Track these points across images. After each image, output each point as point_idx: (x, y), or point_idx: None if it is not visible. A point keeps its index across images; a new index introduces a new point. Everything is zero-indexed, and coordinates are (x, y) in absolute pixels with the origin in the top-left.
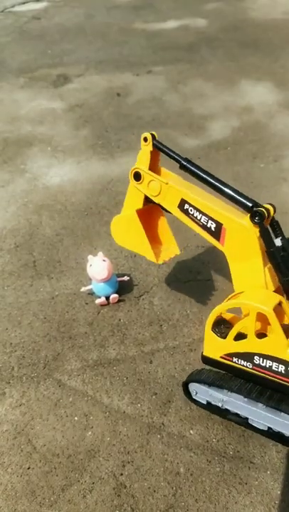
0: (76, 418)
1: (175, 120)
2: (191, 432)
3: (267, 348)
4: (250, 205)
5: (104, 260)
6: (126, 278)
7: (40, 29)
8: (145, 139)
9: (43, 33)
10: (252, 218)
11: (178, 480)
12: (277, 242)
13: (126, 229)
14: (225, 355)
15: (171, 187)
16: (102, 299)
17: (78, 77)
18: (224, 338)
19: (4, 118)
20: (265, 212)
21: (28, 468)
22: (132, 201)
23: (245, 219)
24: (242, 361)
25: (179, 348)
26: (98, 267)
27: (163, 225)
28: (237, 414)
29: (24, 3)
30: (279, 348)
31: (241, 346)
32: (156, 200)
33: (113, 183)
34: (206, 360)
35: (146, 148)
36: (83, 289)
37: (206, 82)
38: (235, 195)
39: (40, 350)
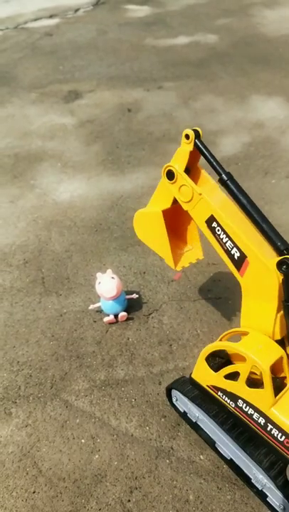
0: (83, 441)
1: None
2: (201, 457)
3: (254, 398)
4: (282, 248)
5: (113, 278)
6: (135, 296)
7: (52, 45)
8: (187, 136)
9: (55, 49)
10: (279, 266)
11: (187, 508)
12: None
13: (149, 226)
14: (212, 385)
15: (203, 199)
16: (111, 317)
17: (89, 92)
18: (215, 370)
19: (15, 133)
20: None
21: (34, 492)
22: (160, 199)
23: (271, 261)
24: (226, 398)
25: (188, 369)
26: (107, 285)
27: (191, 224)
28: (207, 434)
29: (37, 19)
30: (265, 403)
31: (230, 386)
32: (184, 206)
33: (123, 199)
34: (192, 382)
35: (187, 147)
36: (91, 306)
37: (217, 97)
38: (269, 233)
39: (47, 369)
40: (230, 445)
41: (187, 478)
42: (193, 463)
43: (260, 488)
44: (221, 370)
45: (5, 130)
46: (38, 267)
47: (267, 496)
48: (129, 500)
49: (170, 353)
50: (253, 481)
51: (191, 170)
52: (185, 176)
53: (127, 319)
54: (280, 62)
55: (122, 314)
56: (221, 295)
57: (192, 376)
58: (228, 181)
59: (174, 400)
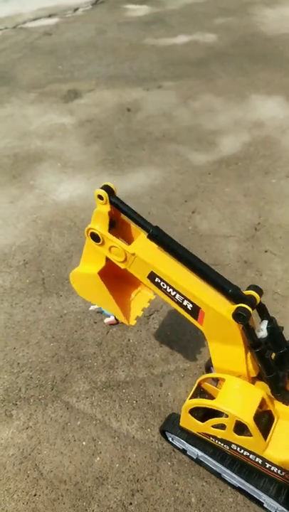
0: (84, 443)
1: (185, 136)
2: None
3: (246, 444)
4: (230, 292)
5: None
6: None
7: (51, 45)
8: (100, 197)
9: (54, 48)
10: (236, 317)
11: (189, 511)
12: (263, 331)
13: (88, 286)
14: (202, 432)
15: (137, 258)
16: (111, 318)
17: (89, 92)
18: (201, 419)
19: (14, 133)
20: (250, 309)
21: (35, 495)
22: (92, 259)
23: (226, 310)
24: (219, 442)
25: (189, 371)
26: None
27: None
28: (212, 468)
29: (35, 19)
30: (258, 448)
31: (219, 434)
32: (120, 266)
33: (123, 199)
34: (183, 429)
35: (103, 208)
36: (92, 307)
37: (216, 97)
38: (214, 279)
39: (48, 370)
40: (235, 477)
41: (189, 480)
42: (195, 465)
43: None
44: (207, 421)
45: (4, 130)
46: (38, 267)
47: None
48: (130, 503)
49: (171, 355)
50: (265, 505)
51: (116, 223)
52: (111, 237)
53: None
54: (280, 61)
55: None
56: None
57: (181, 425)
58: (157, 236)
59: (170, 439)
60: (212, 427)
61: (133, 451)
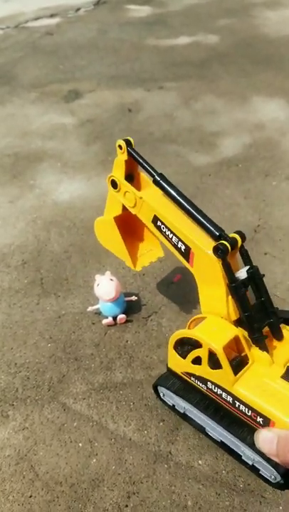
0: (80, 444)
1: (186, 137)
2: (199, 462)
3: (218, 378)
4: (217, 234)
5: (111, 280)
6: (134, 298)
7: (52, 44)
8: (120, 147)
9: (56, 48)
10: (215, 251)
11: None
12: (242, 273)
13: (106, 232)
14: (185, 372)
15: (144, 202)
16: (110, 320)
17: (90, 92)
18: (184, 357)
19: (15, 133)
20: (228, 246)
21: (30, 496)
22: (111, 207)
23: (210, 248)
24: (198, 382)
25: None
26: (106, 287)
27: (146, 227)
28: (197, 422)
29: (37, 18)
30: (227, 382)
31: (197, 370)
32: (132, 211)
33: None
34: (169, 370)
35: (122, 157)
36: (90, 308)
37: (218, 98)
38: (203, 221)
39: (45, 371)
40: (217, 429)
41: (186, 483)
42: (192, 468)
43: (251, 464)
44: (187, 356)
45: (5, 129)
46: (36, 267)
47: (259, 470)
48: (126, 506)
49: None
50: (243, 457)
51: (134, 176)
52: (125, 183)
53: (126, 321)
54: (282, 63)
55: (121, 317)
56: None
57: (168, 365)
58: (160, 181)
59: (161, 395)
60: (192, 363)
61: (130, 453)
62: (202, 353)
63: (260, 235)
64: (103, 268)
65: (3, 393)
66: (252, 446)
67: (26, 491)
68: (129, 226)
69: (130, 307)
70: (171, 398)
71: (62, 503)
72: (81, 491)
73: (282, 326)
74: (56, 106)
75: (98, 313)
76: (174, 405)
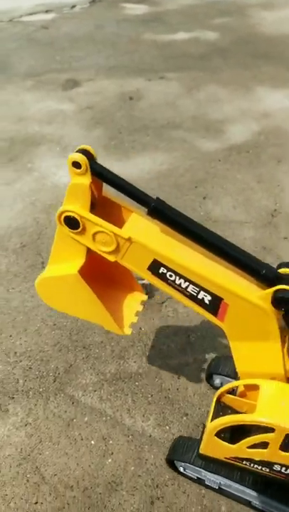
0: (93, 442)
1: (191, 123)
2: None
3: None
4: (263, 272)
5: None
6: (146, 281)
7: (48, 37)
8: (76, 165)
9: (51, 41)
10: (276, 302)
11: None
12: None
13: (66, 293)
14: (232, 457)
15: (135, 243)
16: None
17: (88, 81)
18: (232, 441)
19: (10, 118)
20: None
21: (36, 503)
22: (67, 254)
23: (259, 296)
24: (256, 465)
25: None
26: None
27: (118, 266)
28: (238, 496)
29: (32, 13)
30: None
31: (259, 455)
32: (109, 258)
33: None
34: (203, 457)
35: (82, 180)
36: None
37: (221, 88)
38: (240, 258)
39: (49, 360)
40: (269, 502)
41: None
42: None
43: None
44: (243, 441)
45: None
46: (36, 251)
47: None
48: None
49: (188, 344)
50: None
51: (95, 204)
52: (96, 219)
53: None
54: (282, 58)
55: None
56: None
57: (201, 452)
58: (164, 210)
59: (180, 469)
60: (247, 448)
61: (150, 452)
62: (273, 438)
63: (277, 219)
64: None
65: (2, 385)
66: None
67: (31, 496)
68: (96, 275)
69: None
70: (196, 472)
71: (74, 511)
72: (96, 496)
73: None
74: (53, 94)
75: None
76: (200, 479)
